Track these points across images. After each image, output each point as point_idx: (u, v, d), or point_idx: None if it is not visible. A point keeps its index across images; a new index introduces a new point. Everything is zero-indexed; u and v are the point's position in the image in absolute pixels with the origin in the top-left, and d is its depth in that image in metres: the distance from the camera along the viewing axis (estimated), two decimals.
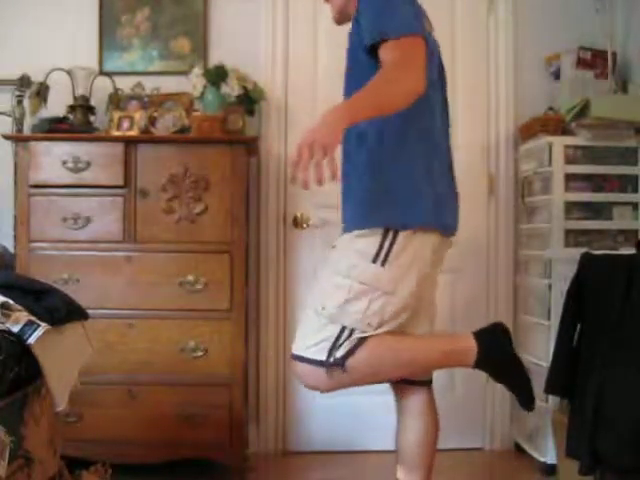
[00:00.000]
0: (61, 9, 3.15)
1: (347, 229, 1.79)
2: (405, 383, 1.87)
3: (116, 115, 2.84)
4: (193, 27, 3.16)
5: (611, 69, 3.02)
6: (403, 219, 1.71)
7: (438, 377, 3.02)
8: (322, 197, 2.86)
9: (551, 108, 3.03)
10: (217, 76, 2.87)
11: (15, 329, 1.62)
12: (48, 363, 1.68)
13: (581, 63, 3.05)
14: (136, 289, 2.67)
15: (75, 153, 2.68)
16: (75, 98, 2.91)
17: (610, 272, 2.08)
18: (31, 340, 1.62)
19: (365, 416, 3.07)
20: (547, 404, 2.70)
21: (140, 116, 2.82)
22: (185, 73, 3.01)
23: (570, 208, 2.82)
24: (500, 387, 3.16)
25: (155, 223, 2.69)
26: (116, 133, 2.78)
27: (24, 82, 3.00)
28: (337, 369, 1.70)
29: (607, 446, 1.94)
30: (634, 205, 2.85)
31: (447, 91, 1.93)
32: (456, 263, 3.18)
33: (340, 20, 1.93)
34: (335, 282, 1.73)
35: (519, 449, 3.11)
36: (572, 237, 2.81)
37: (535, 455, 2.88)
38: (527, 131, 3.05)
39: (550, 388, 2.29)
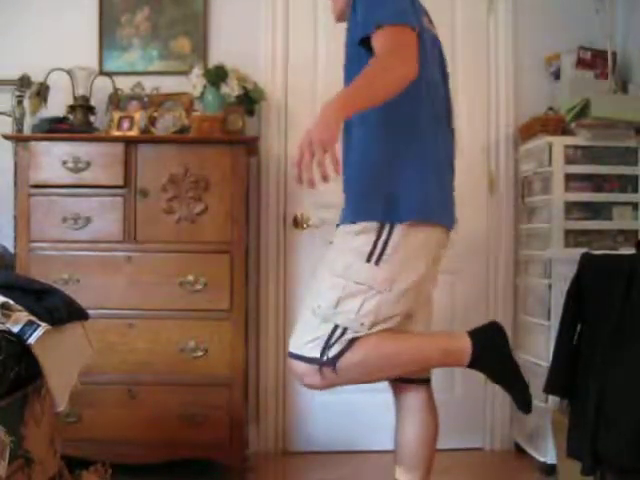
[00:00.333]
0: (61, 9, 3.15)
1: (344, 220, 1.79)
2: (404, 382, 1.86)
3: (116, 115, 2.84)
4: (193, 27, 3.16)
5: (611, 69, 3.02)
6: (396, 214, 1.70)
7: (438, 377, 3.02)
8: (322, 197, 2.86)
9: (551, 108, 3.03)
10: (217, 76, 2.87)
11: (15, 329, 1.62)
12: (48, 363, 1.68)
13: (581, 63, 3.05)
14: (136, 289, 2.67)
15: (75, 153, 2.68)
16: (75, 98, 2.91)
17: (610, 272, 2.08)
18: (31, 340, 1.62)
19: (365, 416, 3.07)
20: (547, 404, 2.70)
21: (140, 116, 2.82)
22: (185, 73, 3.01)
23: (570, 208, 2.82)
24: (500, 387, 3.17)
25: (155, 223, 2.69)
26: (116, 133, 2.78)
27: (24, 82, 3.00)
28: (329, 368, 1.70)
29: (608, 446, 1.94)
30: (634, 205, 2.85)
31: (450, 90, 1.92)
32: (456, 263, 3.18)
33: (341, 17, 1.94)
34: (330, 281, 1.73)
35: (519, 449, 3.10)
36: (572, 237, 2.81)
37: (535, 455, 2.88)
38: (527, 131, 3.05)
39: (550, 388, 2.29)
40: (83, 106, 2.89)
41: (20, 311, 1.66)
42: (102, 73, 3.04)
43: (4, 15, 3.15)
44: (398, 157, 1.73)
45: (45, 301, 1.78)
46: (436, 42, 1.88)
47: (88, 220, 2.69)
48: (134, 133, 2.77)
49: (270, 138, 3.16)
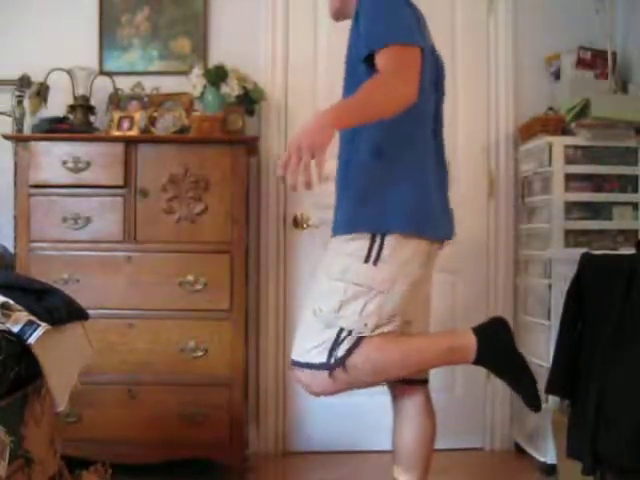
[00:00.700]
0: (61, 9, 3.15)
1: (336, 232, 1.80)
2: (402, 383, 1.87)
3: (116, 115, 2.84)
4: (193, 27, 3.16)
5: (611, 69, 3.02)
6: (387, 225, 1.71)
7: (438, 377, 3.02)
8: (322, 197, 2.86)
9: (551, 108, 3.03)
10: (217, 76, 2.87)
11: (15, 329, 1.62)
12: (48, 363, 1.68)
13: (581, 63, 3.05)
14: (136, 289, 2.67)
15: (75, 153, 2.68)
16: (75, 98, 2.91)
17: (610, 272, 2.08)
18: (31, 340, 1.62)
19: (365, 416, 3.07)
20: (547, 404, 2.69)
21: (140, 116, 2.82)
22: (185, 73, 3.01)
23: (570, 208, 2.82)
24: (500, 387, 3.18)
25: (155, 223, 2.69)
26: (116, 133, 2.78)
27: (24, 82, 3.00)
28: (339, 369, 1.70)
29: (608, 446, 1.94)
30: (634, 205, 2.85)
31: (443, 102, 1.93)
32: (456, 263, 3.19)
33: (337, 16, 1.94)
34: (330, 286, 1.73)
35: (519, 449, 3.10)
36: (572, 237, 2.81)
37: (535, 455, 2.88)
38: (527, 131, 3.05)
39: (551, 388, 2.29)
40: (83, 106, 2.89)
41: (20, 311, 1.66)
42: (102, 73, 3.04)
43: (4, 15, 3.15)
44: (394, 173, 1.74)
45: (45, 301, 1.78)
46: (434, 52, 1.87)
47: (88, 220, 2.69)
48: (134, 133, 2.77)
49: (270, 138, 3.16)
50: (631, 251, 2.23)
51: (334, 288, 1.72)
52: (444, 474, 2.83)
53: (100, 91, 2.98)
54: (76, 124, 2.86)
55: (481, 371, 3.13)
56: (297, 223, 3.17)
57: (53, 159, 2.69)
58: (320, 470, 2.94)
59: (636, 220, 2.85)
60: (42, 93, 2.89)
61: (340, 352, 1.69)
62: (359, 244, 1.72)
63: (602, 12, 3.11)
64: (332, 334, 1.70)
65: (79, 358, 1.94)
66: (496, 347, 1.77)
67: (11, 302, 1.67)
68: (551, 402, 2.65)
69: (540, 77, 3.21)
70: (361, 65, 1.71)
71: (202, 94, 2.90)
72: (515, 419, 3.17)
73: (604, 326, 2.03)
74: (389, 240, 1.71)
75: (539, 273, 2.89)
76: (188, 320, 2.67)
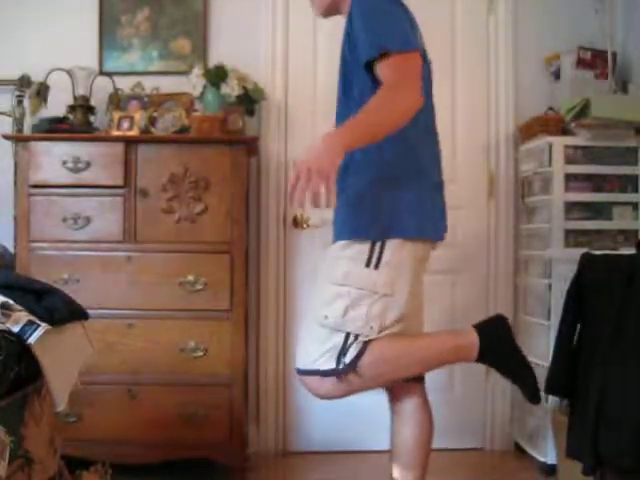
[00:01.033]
0: (61, 9, 3.15)
1: (336, 238, 1.81)
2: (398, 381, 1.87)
3: (116, 115, 2.84)
4: (193, 27, 3.16)
5: (611, 69, 3.02)
6: (387, 231, 1.73)
7: (437, 377, 3.02)
8: (322, 197, 2.86)
9: (551, 108, 3.03)
10: (217, 76, 2.87)
11: (15, 329, 1.61)
12: (48, 363, 1.68)
13: (581, 63, 3.05)
14: (136, 289, 2.67)
15: (75, 153, 2.68)
16: (75, 98, 2.91)
17: (610, 272, 2.08)
18: (31, 340, 1.62)
19: (365, 416, 3.07)
20: (547, 404, 2.70)
21: (140, 116, 2.82)
22: (185, 73, 3.01)
23: (570, 208, 2.82)
24: (500, 387, 3.18)
25: (155, 223, 2.69)
26: (116, 133, 2.78)
27: (24, 82, 3.00)
28: (349, 373, 1.72)
29: (609, 446, 1.94)
30: (634, 205, 2.85)
31: (434, 102, 1.92)
32: (456, 263, 3.19)
33: (324, 13, 1.94)
34: (333, 291, 1.74)
35: (519, 449, 3.11)
36: (572, 237, 2.81)
37: (535, 455, 2.88)
38: (527, 131, 3.05)
39: (550, 388, 2.29)
40: (83, 106, 2.89)
41: (20, 311, 1.66)
42: (102, 73, 3.04)
43: (4, 15, 3.15)
44: (392, 176, 1.75)
45: (45, 301, 1.78)
46: (426, 57, 1.87)
47: (88, 220, 2.69)
48: (134, 133, 2.77)
49: (270, 138, 3.16)
50: (631, 251, 2.23)
51: (338, 293, 1.73)
52: (444, 474, 2.83)
53: (100, 91, 2.98)
54: (76, 124, 2.86)
55: (481, 371, 3.15)
56: (297, 223, 3.17)
57: (53, 159, 2.69)
58: (320, 470, 2.95)
59: (636, 220, 2.85)
60: (42, 93, 2.89)
61: (349, 357, 1.71)
62: (359, 247, 1.73)
63: (602, 12, 3.12)
64: (339, 339, 1.71)
65: (79, 358, 1.94)
66: (497, 344, 1.79)
67: (11, 302, 1.67)
68: (551, 402, 2.65)
69: (540, 77, 3.21)
70: (357, 67, 1.71)
71: (202, 94, 2.90)
72: (515, 419, 3.17)
73: (604, 326, 2.03)
74: (390, 244, 1.72)
75: (539, 273, 2.89)
76: (188, 320, 2.67)
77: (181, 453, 2.67)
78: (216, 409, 2.66)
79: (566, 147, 2.82)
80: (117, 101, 2.96)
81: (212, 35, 3.17)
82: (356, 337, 1.71)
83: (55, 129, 2.77)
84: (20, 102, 2.99)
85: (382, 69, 1.64)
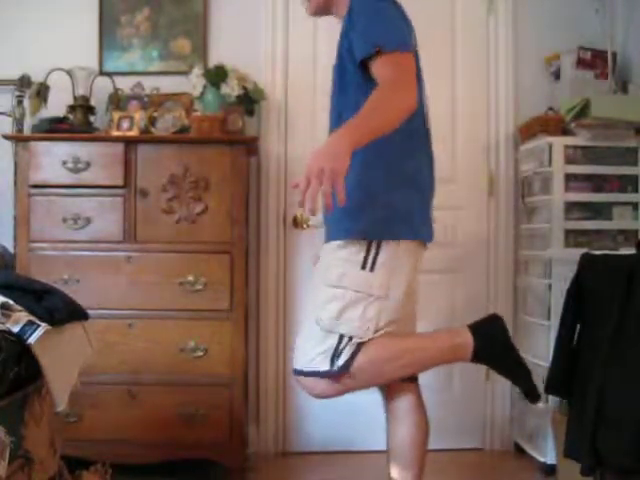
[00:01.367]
0: (61, 9, 3.15)
1: (330, 238, 1.81)
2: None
3: (116, 115, 2.84)
4: (193, 27, 3.16)
5: (611, 69, 3.02)
6: (382, 233, 1.73)
7: (437, 376, 3.02)
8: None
9: (551, 108, 3.02)
10: (217, 76, 2.87)
11: (15, 329, 1.61)
12: (48, 363, 1.68)
13: (581, 63, 3.05)
14: (136, 289, 2.67)
15: (75, 153, 2.68)
16: (75, 98, 2.91)
17: (610, 272, 2.08)
18: (31, 340, 1.62)
19: (365, 416, 3.06)
20: (547, 404, 2.70)
21: (140, 116, 2.82)
22: (185, 73, 3.01)
23: (570, 208, 2.82)
24: (500, 387, 3.18)
25: (155, 223, 2.69)
26: (116, 133, 2.78)
27: (24, 82, 3.00)
28: (342, 375, 1.72)
29: (608, 446, 1.94)
30: (634, 205, 2.85)
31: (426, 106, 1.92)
32: (456, 263, 3.19)
33: (316, 12, 1.95)
34: (329, 293, 1.74)
35: (519, 449, 3.11)
36: (572, 237, 2.81)
37: (535, 455, 2.88)
38: (527, 131, 3.05)
39: (550, 388, 2.29)
40: (83, 106, 2.89)
41: (20, 311, 1.66)
42: (102, 73, 3.04)
43: (4, 15, 3.15)
44: (387, 177, 1.75)
45: (45, 301, 1.78)
46: (419, 60, 1.86)
47: (88, 220, 2.69)
48: (134, 133, 2.77)
49: (270, 138, 3.16)
50: (631, 251, 2.23)
51: (333, 295, 1.73)
52: (444, 474, 2.83)
53: (100, 91, 2.98)
54: (76, 124, 2.86)
55: (480, 371, 3.15)
56: (297, 223, 3.17)
57: (53, 159, 2.68)
58: (320, 470, 2.95)
59: (636, 220, 2.85)
60: (42, 93, 2.89)
61: (342, 359, 1.71)
62: (354, 249, 1.73)
63: (602, 12, 3.12)
64: (333, 341, 1.72)
65: (79, 358, 1.94)
66: (492, 344, 1.79)
67: (11, 302, 1.67)
68: (551, 402, 2.65)
69: (540, 77, 3.21)
70: (352, 66, 1.71)
71: (202, 94, 2.90)
72: (515, 419, 3.17)
73: (604, 326, 2.03)
74: (385, 246, 1.72)
75: (539, 273, 2.89)
76: (188, 320, 2.67)
77: (181, 453, 2.67)
78: (216, 409, 2.66)
79: (566, 147, 2.82)
80: (117, 101, 2.96)
81: (212, 35, 3.17)
82: (350, 339, 1.71)
83: (55, 129, 2.77)
84: (20, 102, 2.99)
85: (378, 67, 1.64)
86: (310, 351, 1.75)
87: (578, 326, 2.21)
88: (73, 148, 2.69)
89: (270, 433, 3.16)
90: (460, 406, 3.18)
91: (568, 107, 2.81)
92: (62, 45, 3.08)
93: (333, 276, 1.74)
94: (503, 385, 3.17)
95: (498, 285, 3.22)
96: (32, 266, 2.66)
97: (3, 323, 1.61)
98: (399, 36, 1.67)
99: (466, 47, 3.23)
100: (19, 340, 1.61)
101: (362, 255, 1.72)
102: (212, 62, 3.04)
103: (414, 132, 1.78)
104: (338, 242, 1.77)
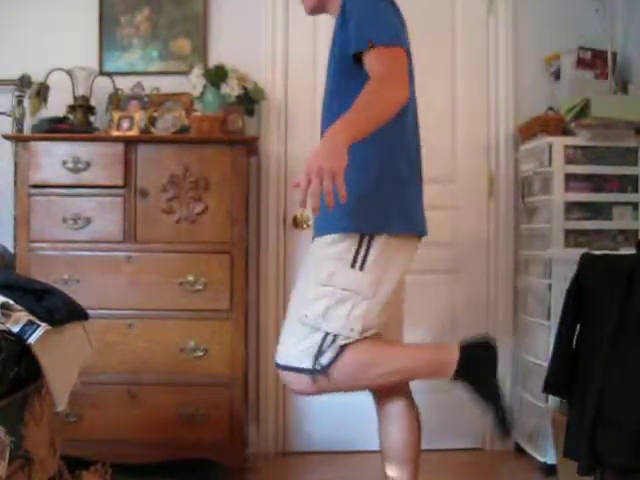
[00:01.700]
0: (61, 9, 3.15)
1: (320, 232, 1.79)
2: None
3: (116, 115, 2.84)
4: (193, 27, 3.16)
5: (611, 69, 3.02)
6: (375, 226, 1.71)
7: None
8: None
9: (551, 108, 3.03)
10: (217, 76, 2.87)
11: (15, 329, 1.61)
12: (48, 363, 1.68)
13: (581, 63, 3.05)
14: (136, 289, 2.67)
15: (75, 153, 2.68)
16: (75, 98, 2.91)
17: (610, 272, 2.08)
18: (31, 340, 1.62)
19: (365, 416, 3.04)
20: (547, 404, 2.70)
21: (140, 116, 2.82)
22: (185, 73, 3.01)
23: (570, 208, 2.82)
24: (500, 387, 3.17)
25: (155, 223, 2.69)
26: (116, 133, 2.78)
27: (24, 82, 3.00)
28: (321, 376, 1.70)
29: (607, 446, 1.94)
30: (634, 205, 2.85)
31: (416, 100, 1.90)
32: (456, 263, 3.19)
33: (314, 11, 1.96)
34: (318, 291, 1.72)
35: (519, 449, 3.10)
36: (572, 237, 2.81)
37: (535, 455, 2.88)
38: (527, 131, 3.05)
39: (549, 388, 2.29)
40: (83, 106, 2.89)
41: (20, 311, 1.66)
42: (102, 73, 3.04)
43: (4, 15, 3.15)
44: (378, 172, 1.74)
45: (45, 301, 1.78)
46: (411, 58, 1.84)
47: (88, 220, 2.69)
48: (134, 133, 2.77)
49: (270, 138, 3.16)
50: (631, 251, 2.23)
51: (321, 293, 1.71)
52: (444, 474, 2.83)
53: (100, 91, 2.98)
54: (76, 124, 2.86)
55: None
56: (297, 223, 3.17)
57: (53, 159, 2.69)
58: (320, 470, 2.94)
59: (636, 220, 2.85)
60: (42, 93, 2.89)
61: (325, 359, 1.69)
62: (344, 246, 1.71)
63: (602, 12, 3.12)
64: (317, 338, 1.70)
65: (79, 358, 1.94)
66: (476, 373, 1.75)
67: (11, 302, 1.67)
68: (551, 402, 2.65)
69: (540, 77, 3.21)
70: (346, 62, 1.71)
71: (202, 94, 2.90)
72: (515, 419, 3.16)
73: (604, 326, 2.03)
74: (376, 243, 1.71)
75: (539, 273, 2.89)
76: (188, 320, 2.67)
77: (181, 453, 2.67)
78: (216, 409, 2.66)
79: (566, 147, 2.82)
80: (117, 101, 2.96)
81: (212, 35, 3.17)
82: (334, 339, 1.69)
83: (55, 129, 2.77)
84: (20, 102, 2.99)
85: (370, 61, 1.64)
86: (293, 347, 1.73)
87: (578, 326, 2.21)
88: (73, 148, 2.69)
89: (270, 433, 3.16)
90: (460, 406, 3.16)
91: (568, 107, 2.81)
92: (62, 45, 3.08)
93: (323, 275, 1.72)
94: (503, 385, 3.16)
95: (498, 285, 3.22)
96: (32, 266, 2.66)
97: (3, 323, 1.61)
98: (391, 31, 1.67)
99: (466, 47, 3.23)
100: (19, 340, 1.61)
101: (352, 254, 1.70)
102: (212, 62, 3.04)
103: (405, 127, 1.77)
104: (330, 237, 1.74)
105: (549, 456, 2.73)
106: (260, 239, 3.15)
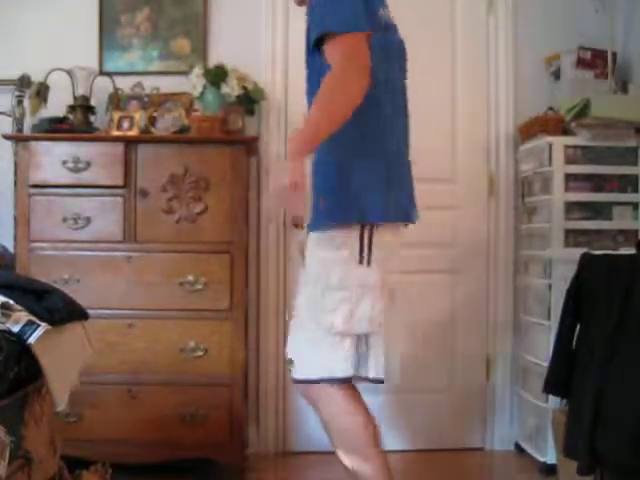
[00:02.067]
0: (61, 9, 3.14)
1: (315, 227, 1.78)
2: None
3: (116, 115, 2.84)
4: (193, 27, 3.16)
5: (611, 69, 3.02)
6: (369, 216, 1.69)
7: (438, 377, 3.02)
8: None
9: (551, 108, 3.02)
10: (217, 76, 2.87)
11: (15, 329, 1.62)
12: (48, 363, 1.68)
13: (581, 63, 3.05)
14: (136, 289, 2.67)
15: (75, 153, 2.68)
16: (75, 98, 2.91)
17: (610, 272, 2.08)
18: (31, 340, 1.62)
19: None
20: (547, 404, 2.70)
21: (140, 116, 2.82)
22: (185, 73, 3.01)
23: (570, 208, 2.82)
24: (500, 387, 3.18)
25: (155, 223, 2.69)
26: (116, 133, 2.78)
27: (24, 82, 3.00)
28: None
29: (606, 446, 1.94)
30: (634, 205, 2.85)
31: (406, 77, 1.87)
32: (456, 263, 3.19)
33: (302, 3, 1.96)
34: (334, 297, 1.69)
35: (519, 449, 3.10)
36: (572, 237, 2.81)
37: (535, 455, 2.88)
38: (527, 131, 3.05)
39: (548, 388, 2.29)
40: (83, 106, 2.89)
41: (20, 311, 1.66)
42: (102, 73, 3.04)
43: (4, 15, 3.15)
44: (360, 160, 1.71)
45: (45, 301, 1.79)
46: (395, 32, 1.81)
47: (88, 220, 2.69)
48: (134, 133, 2.77)
49: (270, 138, 3.16)
50: (631, 251, 2.23)
51: (341, 298, 1.68)
52: (444, 474, 2.83)
53: (100, 91, 2.98)
54: (76, 124, 2.86)
55: (481, 371, 3.15)
56: (297, 223, 3.16)
57: (53, 159, 2.69)
58: (320, 470, 2.94)
59: (636, 220, 2.85)
60: (42, 93, 2.89)
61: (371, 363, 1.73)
62: (348, 248, 1.69)
63: (602, 12, 3.11)
64: (352, 344, 1.70)
65: (79, 358, 1.95)
66: None
67: (11, 302, 1.67)
68: (551, 402, 2.65)
69: (540, 77, 3.20)
70: (315, 52, 1.71)
71: (202, 94, 2.89)
72: (515, 419, 3.17)
73: (604, 326, 2.03)
74: (375, 234, 1.69)
75: (539, 273, 2.89)
76: (188, 320, 2.67)
77: (181, 453, 2.67)
78: (216, 409, 2.66)
79: (566, 147, 2.82)
80: (117, 101, 2.96)
81: (212, 35, 3.17)
82: (367, 338, 1.71)
83: (55, 129, 2.77)
84: (20, 102, 2.99)
85: (327, 52, 1.62)
86: (324, 360, 1.70)
87: (578, 326, 2.21)
88: (73, 148, 2.69)
89: (270, 433, 3.16)
90: (460, 406, 3.17)
91: (568, 107, 2.81)
92: (62, 45, 3.08)
93: (335, 280, 1.69)
94: (503, 385, 3.17)
95: (498, 285, 3.21)
96: (32, 266, 2.66)
97: (3, 323, 1.61)
98: (347, 17, 1.61)
99: (466, 47, 3.22)
100: (19, 340, 1.61)
101: (357, 251, 1.69)
102: (212, 62, 3.03)
103: (383, 113, 1.73)
104: (325, 235, 1.73)
105: (549, 456, 2.73)
106: (260, 239, 3.15)
